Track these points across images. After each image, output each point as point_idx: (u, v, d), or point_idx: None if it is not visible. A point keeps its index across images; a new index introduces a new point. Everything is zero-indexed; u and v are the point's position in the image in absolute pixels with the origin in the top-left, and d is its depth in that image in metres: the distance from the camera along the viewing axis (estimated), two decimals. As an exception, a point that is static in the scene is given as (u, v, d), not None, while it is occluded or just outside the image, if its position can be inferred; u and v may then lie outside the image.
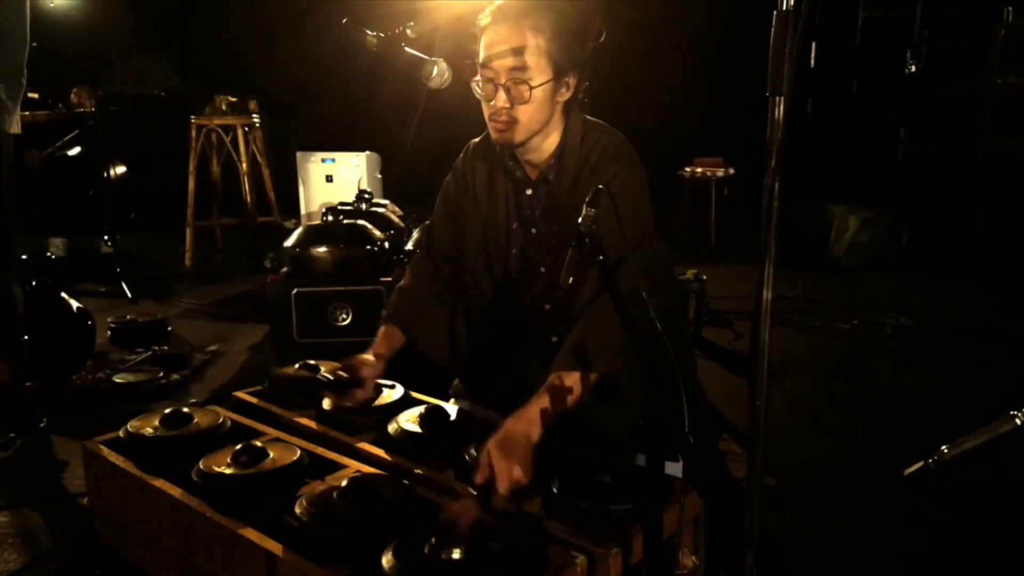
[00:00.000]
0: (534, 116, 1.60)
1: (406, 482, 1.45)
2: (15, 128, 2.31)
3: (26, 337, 2.72)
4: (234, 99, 4.85)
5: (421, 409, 1.72)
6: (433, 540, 1.19)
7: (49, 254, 2.77)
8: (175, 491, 1.48)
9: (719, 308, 3.70)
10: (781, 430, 2.32)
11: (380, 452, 1.62)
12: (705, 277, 3.25)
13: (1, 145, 2.25)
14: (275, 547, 1.28)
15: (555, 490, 1.38)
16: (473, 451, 1.48)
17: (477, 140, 1.85)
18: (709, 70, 6.01)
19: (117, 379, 2.76)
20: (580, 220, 1.30)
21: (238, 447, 1.53)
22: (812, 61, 6.78)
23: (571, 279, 1.36)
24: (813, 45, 6.76)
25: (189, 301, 4.11)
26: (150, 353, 3.03)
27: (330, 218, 3.06)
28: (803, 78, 6.56)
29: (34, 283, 2.72)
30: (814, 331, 3.51)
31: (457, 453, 1.56)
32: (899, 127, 5.90)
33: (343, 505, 1.34)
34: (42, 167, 4.95)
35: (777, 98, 1.05)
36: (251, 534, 1.32)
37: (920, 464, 1.99)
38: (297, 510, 1.34)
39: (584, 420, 1.63)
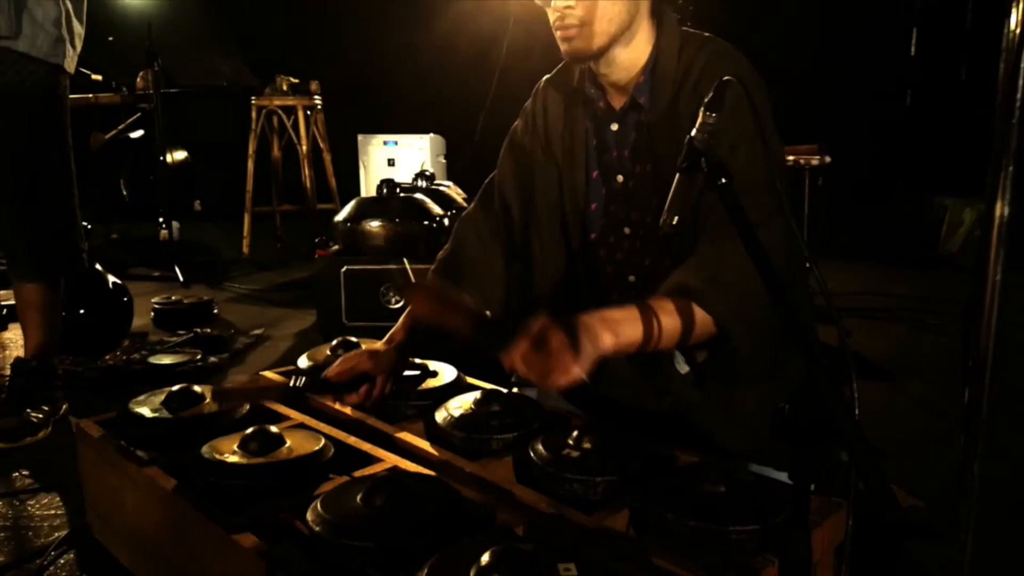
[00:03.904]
0: (607, 12, 1.24)
1: (449, 482, 1.13)
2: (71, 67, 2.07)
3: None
4: (296, 80, 4.65)
5: (476, 395, 1.39)
6: (484, 560, 0.85)
7: (86, 224, 2.54)
8: (168, 483, 1.19)
9: (819, 304, 3.26)
10: (918, 440, 1.90)
11: (424, 444, 1.30)
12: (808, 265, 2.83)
13: (59, 83, 2.01)
14: (277, 559, 0.97)
15: (649, 503, 1.03)
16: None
17: (549, 75, 1.51)
18: (803, 50, 5.54)
19: (152, 360, 2.52)
20: (695, 130, 0.95)
21: (248, 431, 1.23)
22: (913, 49, 6.25)
23: (676, 219, 1.01)
24: (914, 31, 6.24)
25: (241, 286, 3.92)
26: (191, 335, 2.80)
27: (385, 191, 2.77)
28: (902, 68, 6.03)
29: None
30: (935, 330, 3.04)
31: (520, 448, 1.23)
32: (1018, 114, 5.30)
33: (368, 510, 1.02)
34: (104, 149, 4.86)
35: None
36: (247, 541, 1.01)
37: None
38: (309, 516, 1.02)
39: (693, 406, 1.29)
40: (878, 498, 0.77)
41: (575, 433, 1.21)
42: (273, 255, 4.72)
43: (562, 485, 1.13)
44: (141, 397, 1.42)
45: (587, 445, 1.19)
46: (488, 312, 1.50)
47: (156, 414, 1.36)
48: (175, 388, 1.43)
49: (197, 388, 1.44)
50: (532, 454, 1.19)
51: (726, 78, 0.93)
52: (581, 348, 1.06)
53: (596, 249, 1.48)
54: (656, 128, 1.34)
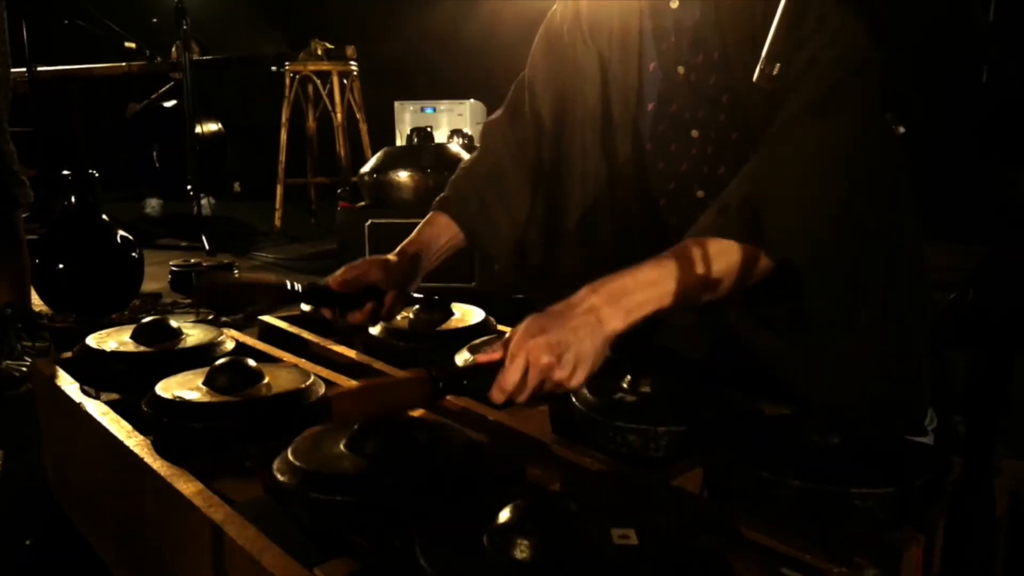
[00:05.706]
0: None
1: (464, 430, 0.87)
2: None
3: (60, 266, 2.35)
4: (331, 45, 4.44)
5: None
6: (504, 517, 0.59)
7: (92, 172, 2.35)
8: (116, 426, 0.95)
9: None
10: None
11: (439, 390, 1.04)
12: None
13: None
14: (227, 517, 0.72)
15: (734, 457, 0.76)
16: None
17: None
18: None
19: (159, 319, 2.32)
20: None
21: (218, 362, 0.98)
22: (992, 13, 5.82)
23: (777, 67, 0.74)
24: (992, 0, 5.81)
25: (269, 255, 3.72)
26: (206, 297, 2.60)
27: (416, 140, 2.53)
28: (978, 37, 5.61)
29: (73, 199, 2.31)
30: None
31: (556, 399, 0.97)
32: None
33: (354, 458, 0.77)
34: (136, 118, 4.73)
35: None
36: (196, 495, 0.76)
37: None
38: (277, 464, 0.77)
39: (773, 358, 1.02)
40: None
41: (630, 375, 0.95)
42: (307, 228, 4.52)
43: (613, 437, 0.87)
44: (104, 331, 1.19)
45: (646, 389, 0.93)
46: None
47: (119, 348, 1.13)
48: (145, 320, 1.20)
49: (174, 322, 1.20)
50: (575, 399, 0.93)
51: None
52: (576, 355, 0.83)
53: (655, 161, 1.21)
54: (724, 2, 1.07)
